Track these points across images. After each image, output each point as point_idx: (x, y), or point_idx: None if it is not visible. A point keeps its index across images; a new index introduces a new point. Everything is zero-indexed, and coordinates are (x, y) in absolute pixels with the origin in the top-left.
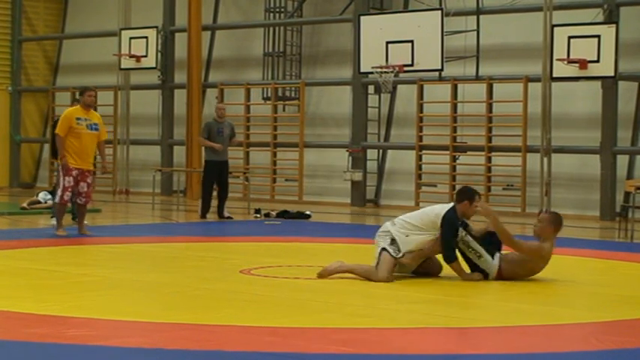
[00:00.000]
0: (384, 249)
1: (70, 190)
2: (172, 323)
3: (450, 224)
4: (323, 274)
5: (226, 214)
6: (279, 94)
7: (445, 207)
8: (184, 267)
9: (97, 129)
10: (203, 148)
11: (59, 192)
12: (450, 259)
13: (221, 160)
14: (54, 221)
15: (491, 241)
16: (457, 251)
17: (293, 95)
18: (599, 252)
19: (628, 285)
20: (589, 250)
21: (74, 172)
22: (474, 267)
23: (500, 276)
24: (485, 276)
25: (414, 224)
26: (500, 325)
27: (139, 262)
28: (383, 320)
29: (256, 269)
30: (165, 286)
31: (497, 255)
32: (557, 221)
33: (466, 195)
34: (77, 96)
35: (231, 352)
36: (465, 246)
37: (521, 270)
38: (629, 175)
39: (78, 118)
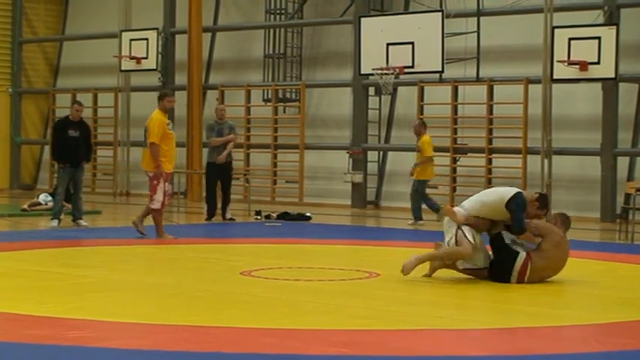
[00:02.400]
0: (458, 228)
1: (168, 194)
2: (172, 325)
3: (522, 204)
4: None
5: (228, 216)
6: (280, 95)
7: (511, 189)
8: (185, 269)
9: (173, 130)
10: (208, 150)
11: (158, 197)
12: (524, 230)
13: (222, 162)
14: (54, 223)
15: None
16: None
17: (293, 97)
18: (600, 254)
19: (628, 286)
20: (589, 251)
21: (169, 176)
22: (506, 248)
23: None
24: (515, 256)
25: (481, 200)
26: (500, 326)
27: (140, 264)
28: (382, 322)
29: (257, 271)
30: (165, 288)
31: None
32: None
33: (545, 205)
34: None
35: (231, 354)
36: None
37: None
38: (630, 177)
39: (167, 124)
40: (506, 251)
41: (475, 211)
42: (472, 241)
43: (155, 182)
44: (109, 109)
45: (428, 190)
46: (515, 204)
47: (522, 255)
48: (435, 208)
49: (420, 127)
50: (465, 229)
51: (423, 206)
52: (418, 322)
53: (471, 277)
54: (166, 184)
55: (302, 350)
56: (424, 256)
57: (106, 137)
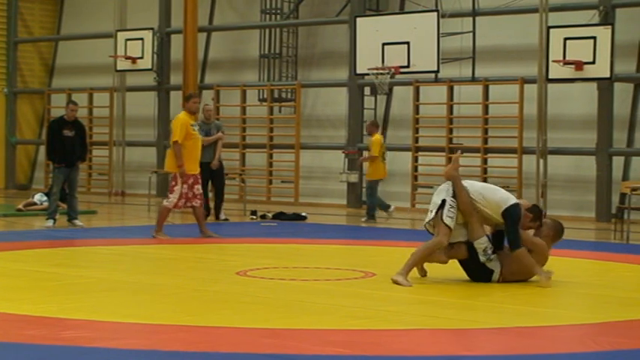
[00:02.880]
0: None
1: (184, 197)
2: (169, 325)
3: (517, 219)
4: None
5: (222, 217)
6: (275, 95)
7: (510, 198)
8: (181, 269)
9: (201, 133)
10: None
11: (173, 197)
12: (519, 247)
13: (209, 162)
14: (49, 223)
15: (495, 241)
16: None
17: (289, 97)
18: (595, 253)
19: (624, 286)
20: (585, 251)
21: (190, 179)
22: (481, 267)
23: (502, 276)
24: (490, 274)
25: (482, 193)
26: (496, 326)
27: (136, 264)
28: (379, 322)
29: (253, 271)
30: (161, 288)
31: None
32: (559, 229)
33: (538, 217)
34: (182, 102)
35: (227, 354)
36: (482, 249)
37: (521, 268)
38: (625, 177)
39: (191, 125)
40: (481, 271)
41: (473, 198)
42: (450, 225)
43: (174, 183)
44: (104, 108)
45: (423, 190)
46: (510, 217)
47: (496, 273)
48: (385, 206)
49: (372, 127)
50: (447, 207)
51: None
52: (415, 321)
53: (466, 277)
54: (184, 185)
55: (299, 350)
56: (408, 267)
57: (102, 137)
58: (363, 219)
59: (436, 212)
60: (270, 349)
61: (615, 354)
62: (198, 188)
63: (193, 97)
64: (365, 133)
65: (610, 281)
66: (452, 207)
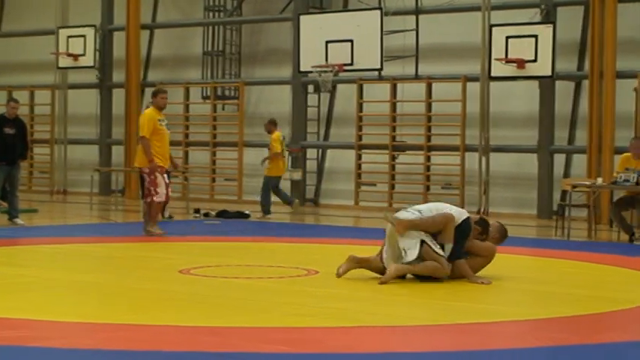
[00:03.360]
0: (423, 243)
1: (168, 187)
2: (111, 324)
3: (468, 234)
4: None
5: (167, 214)
6: (219, 93)
7: (462, 213)
8: (123, 267)
9: (169, 128)
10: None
11: (161, 191)
12: (459, 257)
13: None
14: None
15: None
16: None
17: (232, 94)
18: (537, 250)
19: (565, 282)
20: (526, 248)
21: (163, 171)
22: None
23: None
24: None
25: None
26: (437, 323)
27: (77, 262)
28: (321, 319)
29: (195, 269)
30: (103, 287)
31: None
32: (503, 232)
33: (485, 230)
34: (150, 97)
35: (170, 352)
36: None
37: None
38: (566, 174)
39: (159, 120)
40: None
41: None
42: (441, 253)
43: (153, 177)
44: (45, 106)
45: (367, 188)
46: (462, 231)
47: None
48: (289, 201)
49: (270, 125)
50: (430, 242)
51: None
52: (357, 319)
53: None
54: (165, 175)
55: (241, 348)
56: (399, 271)
57: (43, 135)
58: (259, 215)
59: (419, 252)
60: (212, 347)
61: (555, 349)
62: (167, 178)
63: (161, 93)
64: (266, 131)
65: (551, 277)
66: (433, 243)
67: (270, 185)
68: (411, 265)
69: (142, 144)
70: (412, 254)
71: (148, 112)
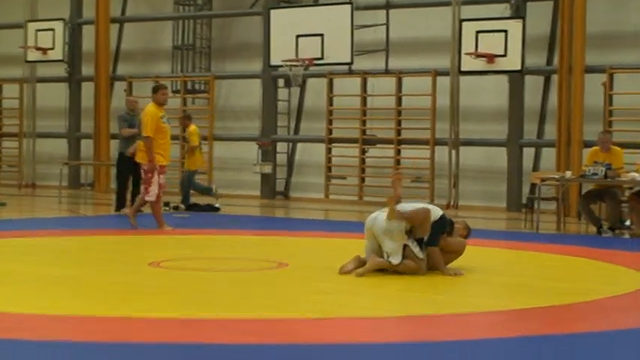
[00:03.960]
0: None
1: (162, 187)
2: (81, 316)
3: (444, 227)
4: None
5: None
6: (189, 87)
7: (438, 209)
8: (93, 260)
9: (169, 122)
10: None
11: (153, 190)
12: (434, 244)
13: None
14: None
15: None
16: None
17: (202, 88)
18: (506, 242)
19: (534, 274)
20: (496, 240)
21: (164, 169)
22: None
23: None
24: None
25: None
26: (408, 314)
27: (47, 256)
28: (292, 311)
29: (166, 262)
30: (73, 279)
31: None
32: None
33: (452, 228)
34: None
35: (141, 344)
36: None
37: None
38: (535, 168)
39: (161, 117)
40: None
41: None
42: (422, 257)
43: (150, 175)
44: (14, 100)
45: (337, 182)
46: (440, 226)
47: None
48: (209, 192)
49: (186, 120)
50: (411, 244)
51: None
52: (327, 310)
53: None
54: (161, 176)
55: (212, 339)
56: (378, 265)
57: (12, 129)
58: (180, 207)
59: (402, 256)
60: (183, 338)
61: (525, 340)
62: (162, 178)
63: (161, 89)
64: (182, 126)
65: (520, 269)
66: (414, 245)
67: (190, 178)
68: (394, 266)
69: (145, 143)
70: (396, 259)
71: (150, 110)
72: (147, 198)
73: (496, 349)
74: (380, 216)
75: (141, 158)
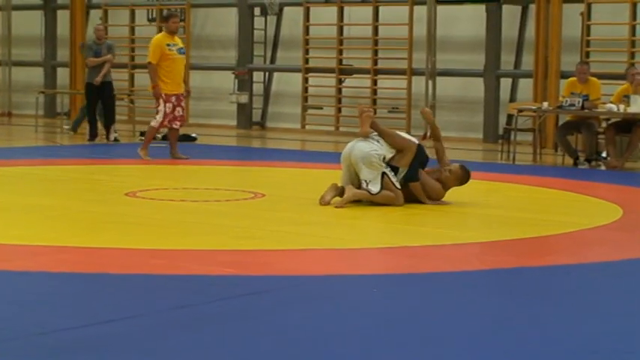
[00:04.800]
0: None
1: (169, 115)
2: (56, 246)
3: (422, 159)
4: (339, 205)
5: (112, 137)
6: (165, 15)
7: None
8: (68, 190)
9: (184, 52)
10: (87, 70)
11: (159, 117)
12: (413, 179)
13: (101, 82)
14: None
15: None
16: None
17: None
18: (482, 174)
19: (510, 206)
20: (472, 172)
21: (172, 98)
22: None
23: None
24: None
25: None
26: (384, 245)
27: (22, 185)
28: (269, 242)
29: (142, 192)
30: (48, 209)
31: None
32: (464, 180)
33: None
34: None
35: (115, 275)
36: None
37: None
38: (512, 98)
39: (167, 45)
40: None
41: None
42: (399, 186)
43: (157, 103)
44: None
45: (314, 112)
46: (417, 158)
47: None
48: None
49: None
50: (390, 175)
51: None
52: (304, 242)
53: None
54: (168, 105)
55: (187, 270)
56: (356, 196)
57: None
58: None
59: (381, 185)
60: (159, 270)
61: (500, 272)
62: (179, 110)
63: (173, 17)
64: None
65: (497, 201)
66: (393, 174)
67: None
68: (368, 194)
69: (148, 69)
70: (375, 187)
71: (157, 38)
72: (152, 123)
73: (471, 281)
74: (357, 144)
75: (149, 86)
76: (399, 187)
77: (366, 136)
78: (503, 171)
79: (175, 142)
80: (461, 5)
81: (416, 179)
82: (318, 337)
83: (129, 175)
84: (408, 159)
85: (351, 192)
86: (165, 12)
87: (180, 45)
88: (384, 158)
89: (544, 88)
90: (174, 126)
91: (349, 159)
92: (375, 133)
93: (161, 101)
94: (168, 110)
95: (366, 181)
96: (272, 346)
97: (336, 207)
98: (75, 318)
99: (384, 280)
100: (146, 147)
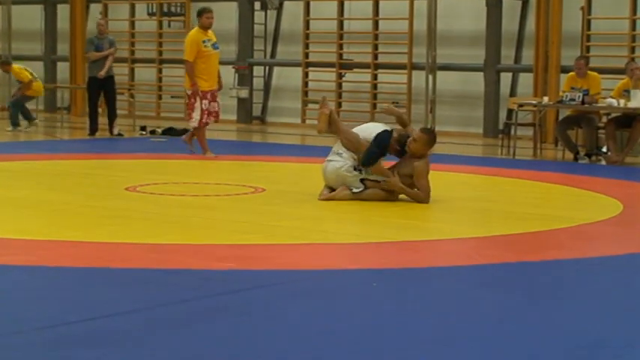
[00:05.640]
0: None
1: (207, 112)
2: (57, 240)
3: (380, 142)
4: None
5: (116, 132)
6: (165, 9)
7: (379, 127)
8: (69, 184)
9: (218, 47)
10: (87, 65)
11: (197, 116)
12: (367, 164)
13: (102, 77)
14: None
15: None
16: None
17: (179, 11)
18: (482, 168)
19: (510, 201)
20: (472, 166)
21: (208, 95)
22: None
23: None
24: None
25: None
26: (383, 240)
27: (22, 180)
28: (268, 237)
29: (142, 186)
30: (49, 204)
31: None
32: (432, 141)
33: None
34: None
35: (116, 269)
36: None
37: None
38: (512, 93)
39: (203, 41)
40: None
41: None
42: (380, 179)
43: (192, 100)
44: None
45: (313, 106)
46: (375, 139)
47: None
48: (30, 118)
49: (5, 66)
50: (366, 175)
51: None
52: (302, 236)
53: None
54: (204, 102)
55: (187, 265)
56: (345, 197)
57: None
58: (9, 129)
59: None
60: (159, 264)
61: (498, 267)
62: (214, 106)
63: (206, 12)
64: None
65: (497, 195)
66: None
67: (20, 101)
68: (357, 195)
69: (185, 68)
70: (357, 188)
71: (192, 34)
72: (190, 124)
73: (471, 276)
74: (327, 167)
75: (185, 84)
76: (380, 179)
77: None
78: (503, 166)
79: (192, 136)
80: None
81: (365, 163)
82: (317, 332)
83: (129, 169)
84: (360, 150)
85: (340, 193)
86: (199, 8)
87: (215, 40)
88: (354, 168)
89: (544, 82)
90: (208, 121)
91: (327, 180)
92: (342, 148)
93: (197, 98)
94: (204, 107)
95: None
96: (271, 340)
97: (319, 199)
98: (75, 312)
99: (383, 275)
100: (205, 147)
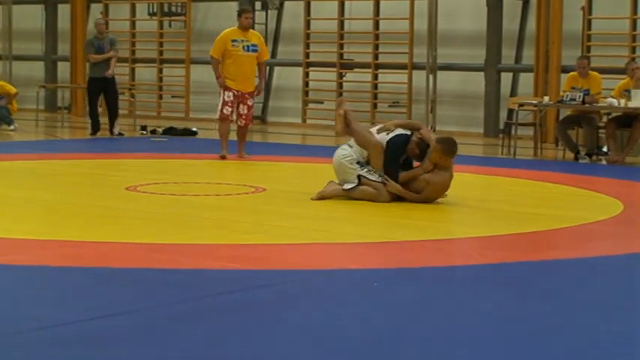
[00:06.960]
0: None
1: (229, 105)
2: (58, 240)
3: (394, 150)
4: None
5: (117, 131)
6: (165, 9)
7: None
8: (69, 184)
9: (255, 50)
10: (87, 65)
11: (219, 107)
12: (386, 172)
13: (104, 77)
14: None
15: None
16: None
17: (179, 11)
18: (483, 168)
19: (511, 200)
20: (473, 166)
21: (234, 90)
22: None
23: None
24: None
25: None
26: (386, 240)
27: (23, 180)
28: (270, 236)
29: (143, 186)
30: (50, 204)
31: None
32: (447, 150)
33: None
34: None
35: (116, 269)
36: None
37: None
38: (513, 93)
39: (233, 40)
40: None
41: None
42: (378, 180)
43: (219, 94)
44: None
45: (314, 106)
46: (387, 150)
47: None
48: (9, 122)
49: None
50: (366, 174)
51: None
52: (305, 236)
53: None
54: (227, 93)
55: (189, 265)
56: (335, 193)
57: None
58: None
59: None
60: (160, 264)
61: (500, 266)
62: (243, 108)
63: (245, 13)
64: None
65: (497, 195)
66: (370, 173)
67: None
68: (348, 192)
69: (211, 62)
70: (348, 185)
71: (224, 32)
72: (217, 115)
73: (472, 276)
74: (336, 152)
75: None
76: (379, 180)
77: (338, 135)
78: (503, 165)
79: (243, 140)
80: None
81: (389, 175)
82: (318, 331)
83: (129, 169)
84: (378, 160)
85: (329, 188)
86: (239, 8)
87: (253, 42)
88: (359, 162)
89: (545, 82)
90: (239, 123)
91: (334, 164)
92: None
93: (222, 91)
94: (226, 98)
95: (341, 183)
96: (271, 340)
97: (311, 199)
98: (76, 312)
99: (384, 275)
100: (223, 145)
